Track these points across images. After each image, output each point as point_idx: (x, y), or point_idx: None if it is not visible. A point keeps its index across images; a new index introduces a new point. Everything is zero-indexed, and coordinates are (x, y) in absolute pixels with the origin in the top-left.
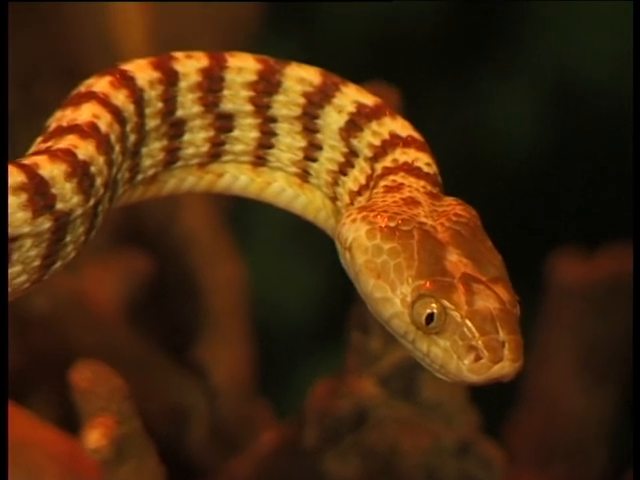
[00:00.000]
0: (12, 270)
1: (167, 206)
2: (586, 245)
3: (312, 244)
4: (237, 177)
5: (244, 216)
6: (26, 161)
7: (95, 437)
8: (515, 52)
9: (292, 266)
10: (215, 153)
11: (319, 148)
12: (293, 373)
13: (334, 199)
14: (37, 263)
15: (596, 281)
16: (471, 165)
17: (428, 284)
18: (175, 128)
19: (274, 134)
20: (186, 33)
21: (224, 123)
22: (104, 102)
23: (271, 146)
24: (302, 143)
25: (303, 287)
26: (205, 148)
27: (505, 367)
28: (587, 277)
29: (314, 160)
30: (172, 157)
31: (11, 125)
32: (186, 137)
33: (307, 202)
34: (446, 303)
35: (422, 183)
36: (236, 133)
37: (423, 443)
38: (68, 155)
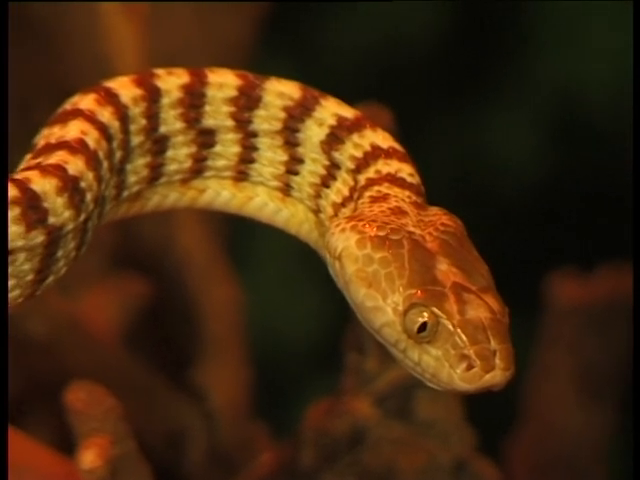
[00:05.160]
0: None
1: (163, 228)
2: (583, 265)
3: (310, 266)
4: (219, 192)
5: (243, 238)
6: (17, 176)
7: (89, 458)
8: (515, 78)
9: (289, 288)
10: (197, 169)
11: (301, 161)
12: (291, 395)
13: (317, 211)
14: (30, 277)
15: (593, 301)
16: (468, 187)
17: (420, 293)
18: (158, 144)
19: (255, 149)
20: (181, 54)
21: (206, 139)
22: (91, 119)
23: (253, 161)
24: (284, 157)
25: (301, 309)
26: (188, 164)
27: (497, 376)
28: (584, 297)
29: (296, 173)
30: (156, 173)
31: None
32: (169, 153)
33: (290, 215)
34: (438, 312)
35: (407, 193)
36: (218, 148)
37: (419, 462)
38: (59, 170)
